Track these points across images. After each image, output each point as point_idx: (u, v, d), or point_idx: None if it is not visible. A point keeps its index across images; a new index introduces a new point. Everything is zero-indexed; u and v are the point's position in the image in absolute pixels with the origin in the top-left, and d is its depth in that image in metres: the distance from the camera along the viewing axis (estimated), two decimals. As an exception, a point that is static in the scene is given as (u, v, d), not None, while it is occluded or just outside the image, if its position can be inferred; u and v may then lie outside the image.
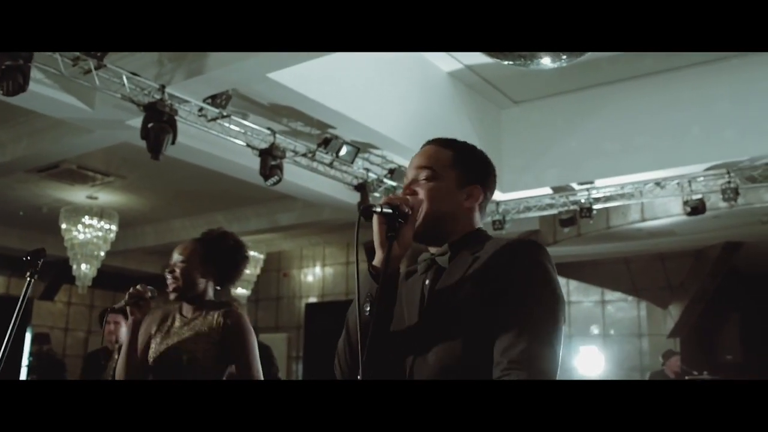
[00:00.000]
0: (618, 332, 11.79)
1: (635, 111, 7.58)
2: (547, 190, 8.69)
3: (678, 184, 8.09)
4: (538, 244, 1.62)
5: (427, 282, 1.70)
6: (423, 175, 1.74)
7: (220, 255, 2.91)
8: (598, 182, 8.29)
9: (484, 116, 8.13)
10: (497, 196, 8.62)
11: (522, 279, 1.53)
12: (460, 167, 1.78)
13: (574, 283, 12.15)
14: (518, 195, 8.79)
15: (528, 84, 7.78)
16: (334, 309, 8.80)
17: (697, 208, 7.90)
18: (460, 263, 1.66)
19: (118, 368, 2.76)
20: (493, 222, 9.04)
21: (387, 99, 6.62)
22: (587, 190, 8.41)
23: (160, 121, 5.38)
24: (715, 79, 7.23)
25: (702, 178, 7.96)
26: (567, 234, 9.55)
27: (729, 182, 7.63)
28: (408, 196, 1.69)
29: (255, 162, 6.54)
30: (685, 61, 7.17)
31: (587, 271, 12.02)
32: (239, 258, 2.96)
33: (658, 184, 8.08)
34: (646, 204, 8.84)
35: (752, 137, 7.14)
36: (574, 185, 8.42)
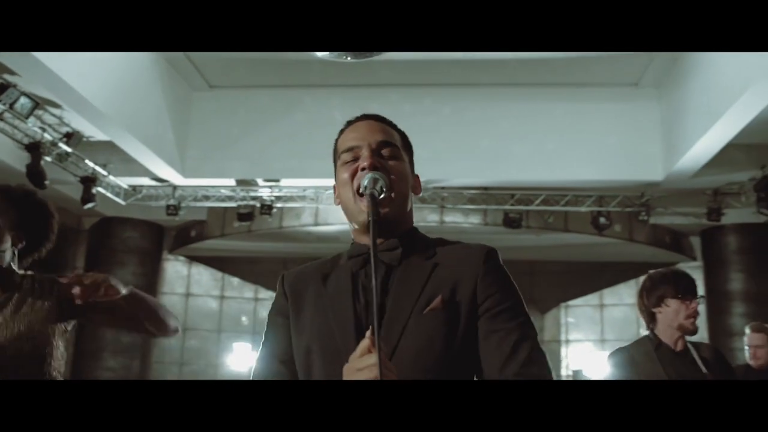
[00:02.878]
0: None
1: (330, 118, 7.72)
2: (230, 182, 8.47)
3: (356, 194, 8.47)
4: (495, 250, 1.52)
5: (374, 283, 1.40)
6: (386, 151, 1.52)
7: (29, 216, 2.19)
8: (283, 182, 8.31)
9: (177, 95, 7.66)
10: (176, 180, 8.18)
11: (501, 288, 1.43)
12: (408, 152, 1.60)
13: (229, 278, 12.05)
14: (198, 182, 8.43)
15: (229, 70, 7.52)
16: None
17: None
18: (416, 267, 1.47)
19: None
20: (168, 207, 8.56)
21: (87, 54, 5.83)
22: (270, 187, 8.38)
23: None
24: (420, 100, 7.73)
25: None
26: (237, 229, 9.42)
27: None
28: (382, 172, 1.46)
29: None
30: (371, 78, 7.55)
31: (245, 268, 12.03)
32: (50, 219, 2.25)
33: (338, 191, 8.36)
34: (321, 209, 9.10)
35: (429, 161, 7.75)
36: (259, 181, 8.33)
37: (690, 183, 7.92)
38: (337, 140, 1.60)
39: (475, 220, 8.94)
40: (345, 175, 1.51)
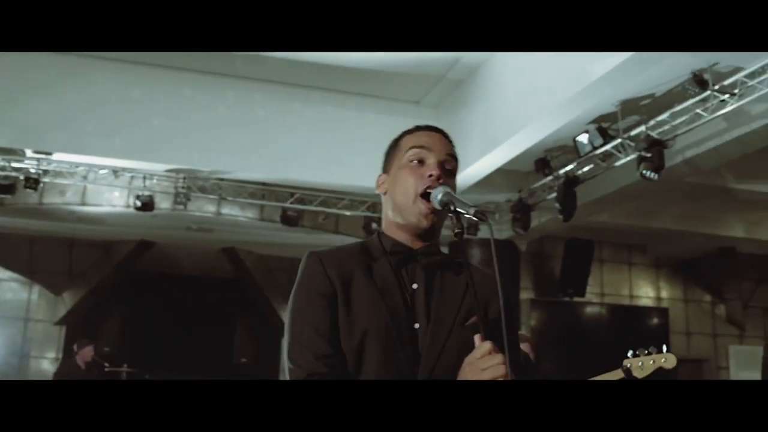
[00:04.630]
0: (3, 314, 10.85)
1: (122, 95, 7.28)
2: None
3: (133, 177, 8.09)
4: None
5: (415, 285, 1.60)
6: (450, 165, 1.69)
7: None
8: (55, 156, 7.66)
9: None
10: None
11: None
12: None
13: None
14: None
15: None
16: None
17: (146, 204, 8.01)
18: (451, 280, 1.65)
19: None
20: None
21: None
22: (38, 160, 7.69)
23: None
24: (214, 91, 7.57)
25: (156, 179, 8.13)
26: (-9, 201, 8.51)
27: (185, 187, 7.98)
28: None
29: None
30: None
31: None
32: None
33: (115, 172, 7.92)
34: (90, 188, 8.52)
35: (216, 153, 7.67)
36: (28, 152, 7.60)
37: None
38: (400, 139, 1.70)
39: (251, 214, 8.96)
40: (410, 176, 1.62)
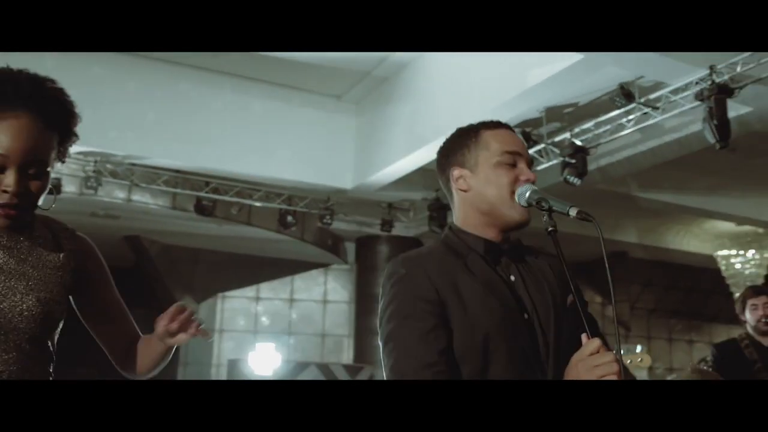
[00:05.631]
0: None
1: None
2: None
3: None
4: None
5: (512, 277, 1.65)
6: (526, 160, 1.74)
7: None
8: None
9: None
10: None
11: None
12: None
13: None
14: None
15: None
16: None
17: (53, 187, 7.57)
18: (536, 266, 1.71)
19: None
20: None
21: None
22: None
23: None
24: (133, 73, 7.28)
25: (65, 161, 7.71)
26: None
27: (95, 171, 7.62)
28: None
29: None
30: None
31: None
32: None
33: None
34: (-12, 168, 7.97)
35: (131, 137, 7.38)
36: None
37: (374, 195, 8.73)
38: (479, 135, 1.70)
39: (162, 202, 8.65)
40: (505, 176, 1.65)
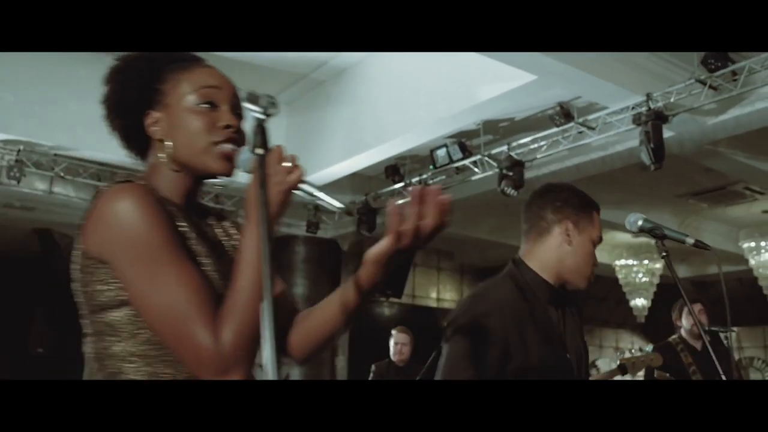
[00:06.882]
0: None
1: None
2: None
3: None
4: None
5: (557, 320, 1.96)
6: None
7: None
8: None
9: None
10: None
11: None
12: None
13: None
14: None
15: None
16: None
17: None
18: (574, 317, 2.00)
19: None
20: None
21: None
22: None
23: None
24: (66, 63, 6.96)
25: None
26: None
27: (18, 161, 7.30)
28: None
29: None
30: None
31: None
32: None
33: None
34: None
35: (59, 127, 7.08)
36: None
37: (301, 197, 8.73)
38: (591, 213, 2.00)
39: (85, 195, 8.29)
40: (593, 256, 1.98)
